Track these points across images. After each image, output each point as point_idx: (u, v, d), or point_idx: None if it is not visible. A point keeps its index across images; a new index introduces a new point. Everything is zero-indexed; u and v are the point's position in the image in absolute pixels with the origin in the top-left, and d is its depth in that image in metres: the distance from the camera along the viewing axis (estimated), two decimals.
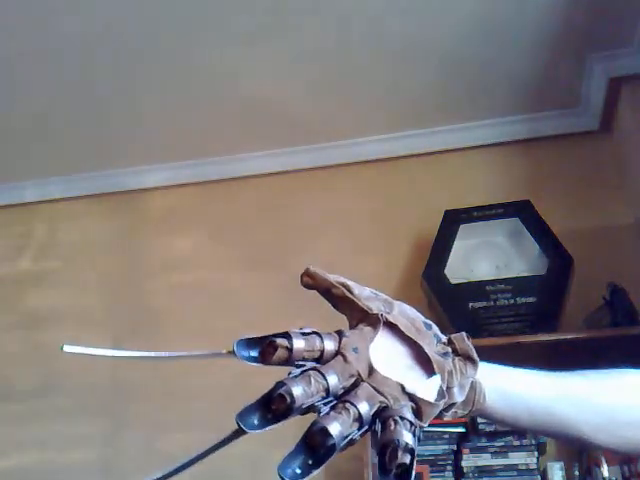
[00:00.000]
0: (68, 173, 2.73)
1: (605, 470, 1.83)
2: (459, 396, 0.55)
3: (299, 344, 0.51)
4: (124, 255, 2.67)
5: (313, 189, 2.58)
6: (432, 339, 0.56)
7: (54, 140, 2.55)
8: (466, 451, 1.95)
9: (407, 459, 0.49)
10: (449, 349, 0.57)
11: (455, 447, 1.97)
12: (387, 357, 0.54)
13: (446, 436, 1.98)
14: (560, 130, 2.45)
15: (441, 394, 0.54)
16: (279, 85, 2.28)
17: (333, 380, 0.50)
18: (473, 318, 2.00)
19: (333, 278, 0.59)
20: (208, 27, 2.04)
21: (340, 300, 0.58)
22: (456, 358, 0.56)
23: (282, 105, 2.35)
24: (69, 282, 2.67)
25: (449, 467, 1.96)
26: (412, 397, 0.53)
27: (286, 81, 2.27)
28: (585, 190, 2.36)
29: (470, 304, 2.02)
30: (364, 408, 0.50)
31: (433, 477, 1.94)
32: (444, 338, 0.58)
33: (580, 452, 1.94)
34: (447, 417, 0.57)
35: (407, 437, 0.50)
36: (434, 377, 0.54)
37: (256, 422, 0.50)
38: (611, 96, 2.25)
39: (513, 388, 0.59)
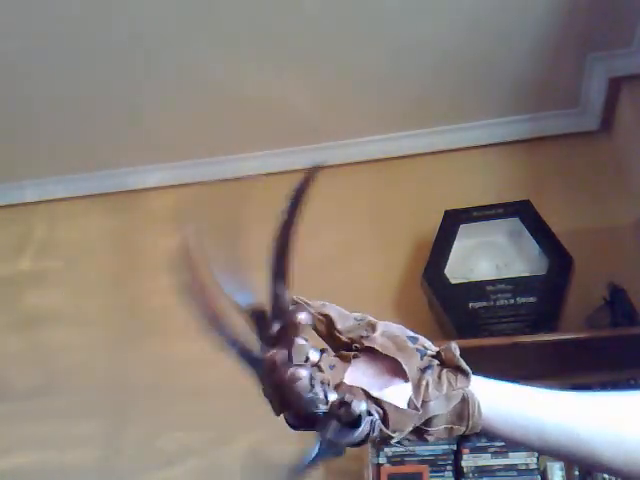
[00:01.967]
0: (68, 173, 2.73)
1: None
2: (439, 409, 0.54)
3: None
4: (124, 255, 2.67)
5: (313, 189, 2.58)
6: (415, 354, 0.56)
7: (54, 140, 2.55)
8: (466, 451, 1.95)
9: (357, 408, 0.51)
10: (435, 362, 0.56)
11: (455, 447, 1.97)
12: (364, 377, 0.55)
13: None
14: (560, 130, 2.45)
15: (412, 405, 0.53)
16: (279, 85, 2.28)
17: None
18: (473, 318, 2.00)
19: (316, 309, 0.59)
20: (208, 27, 2.04)
21: (323, 334, 0.59)
22: (444, 370, 0.56)
23: (282, 105, 2.35)
24: (69, 282, 2.66)
25: (449, 467, 1.95)
26: (378, 403, 0.53)
27: (286, 81, 2.27)
28: (585, 190, 2.36)
29: (470, 304, 2.02)
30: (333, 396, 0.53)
31: (433, 477, 1.94)
32: (432, 351, 0.57)
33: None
34: (438, 435, 0.56)
35: (361, 405, 0.52)
36: (404, 385, 0.54)
37: None
38: (611, 96, 2.25)
39: (516, 406, 0.58)
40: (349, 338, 0.58)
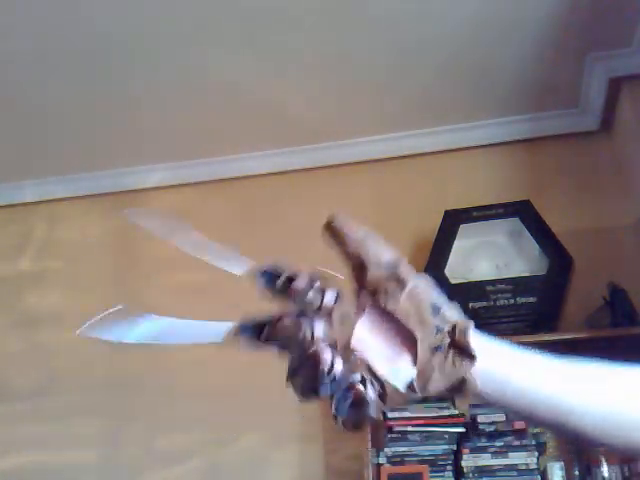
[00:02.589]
0: (68, 173, 2.73)
1: (605, 470, 1.83)
2: (436, 388, 0.54)
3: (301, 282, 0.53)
4: (124, 255, 2.67)
5: (313, 189, 2.58)
6: (432, 330, 0.55)
7: (54, 140, 2.55)
8: (466, 451, 1.95)
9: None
10: (446, 341, 0.55)
11: (455, 447, 1.97)
12: (373, 339, 0.54)
13: (446, 436, 1.98)
14: (560, 130, 2.45)
15: (412, 387, 0.53)
16: (279, 85, 2.28)
17: (318, 331, 0.53)
18: (473, 318, 1.99)
19: (354, 239, 0.57)
20: (208, 27, 2.04)
21: (352, 268, 0.57)
22: (452, 351, 0.55)
23: (282, 105, 2.35)
24: (69, 282, 2.67)
25: (449, 467, 1.95)
26: (378, 378, 0.53)
27: (286, 81, 2.27)
28: (585, 190, 2.36)
29: (470, 304, 2.02)
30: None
31: (433, 477, 1.94)
32: (449, 324, 0.56)
33: (579, 451, 1.94)
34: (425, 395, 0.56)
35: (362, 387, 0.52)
36: (409, 369, 0.54)
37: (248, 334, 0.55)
38: (611, 96, 2.25)
39: (512, 374, 0.57)
40: (374, 287, 0.56)
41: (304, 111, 2.40)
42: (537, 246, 2.08)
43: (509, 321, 1.99)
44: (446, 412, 2.00)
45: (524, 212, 2.13)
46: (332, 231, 0.57)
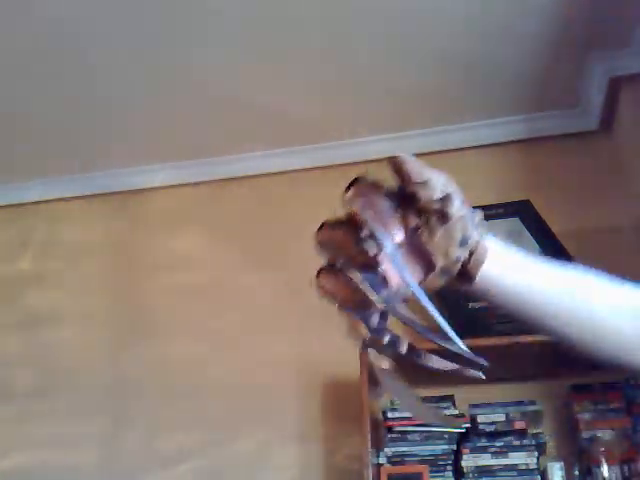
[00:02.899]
0: (68, 173, 2.73)
1: (605, 470, 1.83)
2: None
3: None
4: (124, 255, 2.67)
5: (313, 189, 2.58)
6: (452, 259, 0.60)
7: (54, 140, 2.55)
8: (466, 451, 1.95)
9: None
10: (457, 268, 0.61)
11: (455, 447, 1.97)
12: (403, 254, 0.60)
13: (446, 436, 1.98)
14: (560, 130, 2.45)
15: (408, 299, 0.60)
16: (279, 85, 2.28)
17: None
18: (473, 318, 2.00)
19: (415, 181, 0.62)
20: (208, 27, 2.04)
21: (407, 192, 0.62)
22: (456, 277, 0.61)
23: (282, 105, 2.35)
24: (69, 282, 2.66)
25: (449, 467, 1.95)
26: (386, 275, 0.58)
27: (286, 81, 2.27)
28: (585, 190, 2.36)
29: (470, 304, 2.02)
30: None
31: (433, 477, 1.94)
32: (466, 254, 0.61)
33: (579, 451, 1.94)
34: None
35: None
36: (414, 289, 0.60)
37: None
38: (611, 96, 2.25)
39: (505, 278, 0.64)
40: (419, 215, 0.60)
41: (304, 111, 2.39)
42: (537, 246, 2.08)
43: (509, 321, 1.99)
44: (446, 412, 2.00)
45: (524, 212, 2.14)
46: (396, 168, 0.62)
